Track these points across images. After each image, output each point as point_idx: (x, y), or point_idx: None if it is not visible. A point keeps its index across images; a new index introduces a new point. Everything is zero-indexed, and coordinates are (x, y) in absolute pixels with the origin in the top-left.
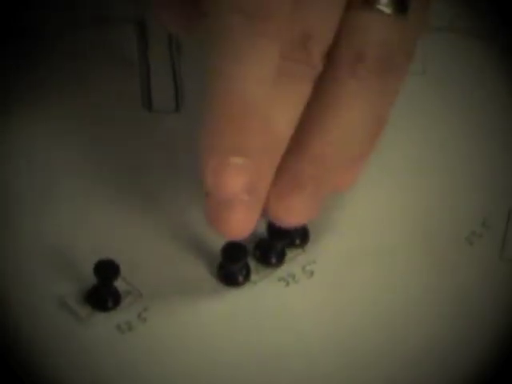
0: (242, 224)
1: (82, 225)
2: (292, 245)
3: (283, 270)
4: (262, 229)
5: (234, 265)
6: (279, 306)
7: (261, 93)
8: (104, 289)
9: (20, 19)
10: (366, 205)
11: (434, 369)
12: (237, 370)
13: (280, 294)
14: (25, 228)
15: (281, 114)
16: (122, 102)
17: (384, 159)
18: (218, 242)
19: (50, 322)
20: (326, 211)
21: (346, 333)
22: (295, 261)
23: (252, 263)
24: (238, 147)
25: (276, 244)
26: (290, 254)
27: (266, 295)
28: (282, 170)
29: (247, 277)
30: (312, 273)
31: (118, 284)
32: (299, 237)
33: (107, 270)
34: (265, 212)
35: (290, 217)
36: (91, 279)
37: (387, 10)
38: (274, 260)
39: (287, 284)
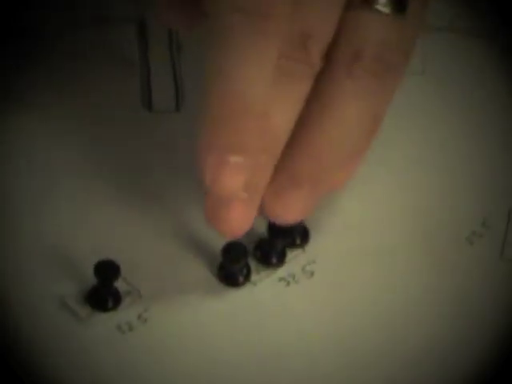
0: (240, 221)
1: (81, 225)
2: (292, 245)
3: (283, 270)
4: (263, 229)
5: (234, 265)
6: (279, 306)
7: (260, 91)
8: (104, 289)
9: (20, 19)
10: (365, 205)
11: (434, 369)
12: (237, 370)
13: (280, 294)
14: (25, 228)
15: (279, 112)
16: (122, 102)
17: (384, 159)
18: (218, 243)
19: (49, 321)
20: (326, 211)
21: (346, 333)
22: (295, 261)
23: (252, 263)
24: (236, 145)
25: (276, 244)
26: (291, 254)
27: (267, 295)
28: (279, 167)
29: (247, 277)
30: (312, 273)
31: (119, 284)
32: (299, 237)
33: (107, 270)
34: (262, 209)
35: (287, 214)
36: (91, 279)
37: (386, 10)
38: (274, 260)
39: (287, 284)
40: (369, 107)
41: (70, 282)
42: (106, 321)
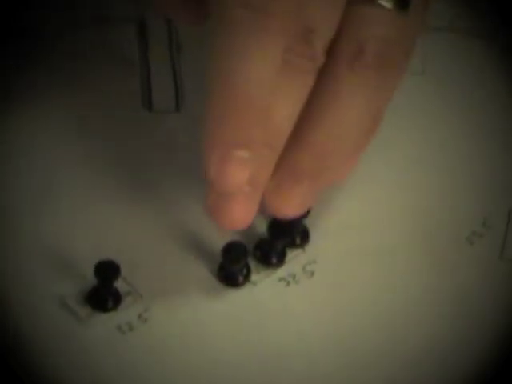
0: (242, 215)
1: (81, 225)
2: (292, 245)
3: (284, 270)
4: (263, 229)
5: (234, 265)
6: (280, 306)
7: (264, 86)
8: (104, 289)
9: (20, 19)
10: (365, 205)
11: (434, 369)
12: (237, 370)
13: (280, 294)
14: (25, 228)
15: (282, 107)
16: (122, 102)
17: (384, 159)
18: (218, 243)
19: (49, 322)
20: (326, 211)
21: (346, 333)
22: (296, 261)
23: (252, 263)
24: (241, 140)
25: (276, 244)
26: (291, 254)
27: (267, 295)
28: (280, 161)
29: (248, 277)
30: (312, 273)
31: (119, 284)
32: (299, 237)
33: (107, 270)
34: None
35: (287, 208)
36: (91, 280)
37: (388, 5)
38: (274, 260)
39: (288, 284)
40: (370, 103)
41: (69, 282)
42: (106, 321)
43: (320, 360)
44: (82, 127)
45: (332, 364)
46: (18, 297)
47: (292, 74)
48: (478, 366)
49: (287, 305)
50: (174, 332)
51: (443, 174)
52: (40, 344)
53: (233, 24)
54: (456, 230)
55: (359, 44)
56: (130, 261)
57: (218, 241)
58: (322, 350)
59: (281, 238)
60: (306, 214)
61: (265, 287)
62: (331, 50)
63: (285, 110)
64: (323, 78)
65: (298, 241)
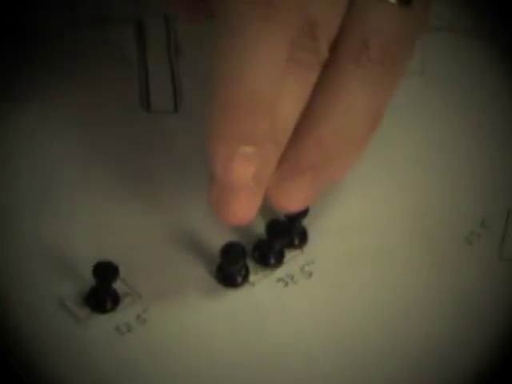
0: (245, 210)
1: (81, 225)
2: (291, 245)
3: (282, 271)
4: (261, 230)
5: (232, 266)
6: (278, 307)
7: (270, 81)
8: (103, 290)
9: (20, 19)
10: (365, 205)
11: (434, 369)
12: (236, 371)
13: (279, 295)
14: (25, 228)
15: (288, 102)
16: (122, 102)
17: (384, 159)
18: (216, 243)
19: (49, 322)
20: (324, 212)
21: (345, 333)
22: (294, 261)
23: (251, 264)
24: (247, 136)
25: (275, 245)
26: (289, 254)
27: (265, 296)
28: (282, 156)
29: (246, 278)
30: (311, 273)
31: (117, 285)
32: (298, 237)
33: (106, 271)
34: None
35: (289, 202)
36: (90, 281)
37: (392, 0)
38: (272, 261)
39: (286, 285)
40: (373, 98)
41: (68, 282)
42: (104, 322)
43: (319, 360)
44: (81, 127)
45: (331, 364)
46: (18, 297)
47: (297, 69)
48: (478, 366)
49: (285, 305)
50: (173, 333)
51: (443, 174)
52: (39, 344)
53: (238, 20)
54: (455, 229)
55: (364, 38)
56: (128, 262)
57: (217, 241)
58: (320, 350)
59: (279, 238)
60: (305, 214)
61: (263, 288)
62: (334, 46)
63: (290, 105)
64: (326, 73)
65: (296, 241)
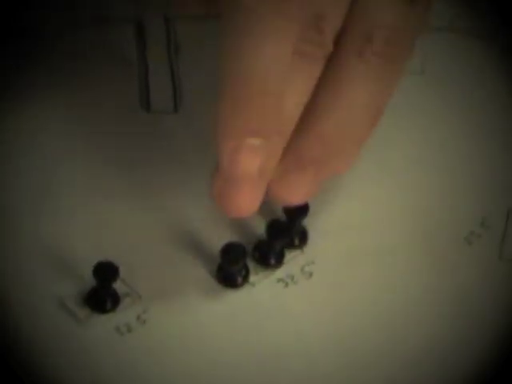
0: (248, 202)
1: (81, 225)
2: (291, 246)
3: (282, 271)
4: (261, 230)
5: (233, 266)
6: (278, 307)
7: (278, 73)
8: (103, 290)
9: (20, 19)
10: (365, 205)
11: (434, 369)
12: (236, 371)
13: (279, 295)
14: (25, 228)
15: (293, 94)
16: (122, 102)
17: (384, 159)
18: (217, 244)
19: (49, 322)
20: (324, 212)
21: (345, 333)
22: (294, 262)
23: (251, 264)
24: (255, 128)
25: (275, 245)
26: (289, 254)
27: (265, 296)
28: (285, 150)
29: (246, 278)
30: (311, 274)
31: (117, 286)
32: (298, 238)
33: (106, 271)
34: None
35: (291, 196)
36: (90, 281)
37: None
38: (272, 261)
39: (286, 285)
40: (375, 94)
41: (69, 283)
42: (104, 322)
43: (319, 360)
44: (81, 127)
45: (331, 364)
46: (18, 297)
47: (302, 63)
48: (478, 366)
49: (286, 306)
50: (173, 333)
51: (443, 174)
52: (39, 344)
53: (246, 10)
54: (455, 229)
55: (368, 32)
56: (128, 262)
57: (217, 242)
58: (320, 351)
59: (279, 238)
60: (305, 214)
61: (263, 288)
62: (337, 41)
63: (295, 98)
64: (331, 67)
65: (296, 242)
